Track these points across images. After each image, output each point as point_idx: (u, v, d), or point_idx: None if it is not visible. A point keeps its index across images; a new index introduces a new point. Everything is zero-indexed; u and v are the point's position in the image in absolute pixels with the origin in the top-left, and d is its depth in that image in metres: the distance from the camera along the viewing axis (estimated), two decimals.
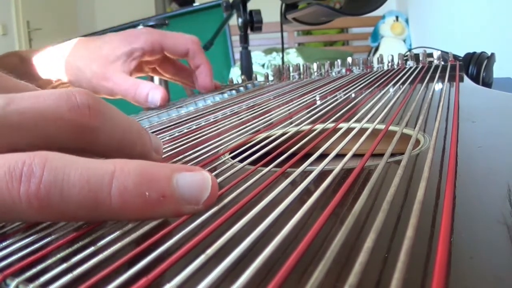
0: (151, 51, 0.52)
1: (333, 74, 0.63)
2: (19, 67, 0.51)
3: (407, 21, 2.44)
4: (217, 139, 0.28)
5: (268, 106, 0.40)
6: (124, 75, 0.51)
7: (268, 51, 2.39)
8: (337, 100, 0.39)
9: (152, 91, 0.49)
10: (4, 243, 0.15)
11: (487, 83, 0.53)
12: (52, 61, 0.52)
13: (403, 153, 0.19)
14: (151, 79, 1.30)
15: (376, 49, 2.46)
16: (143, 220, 0.15)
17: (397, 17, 2.44)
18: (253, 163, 0.22)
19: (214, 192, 0.14)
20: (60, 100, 0.17)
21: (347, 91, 0.45)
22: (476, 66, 0.53)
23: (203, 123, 0.36)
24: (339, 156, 0.20)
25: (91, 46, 0.52)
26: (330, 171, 0.18)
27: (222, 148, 0.26)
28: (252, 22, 0.78)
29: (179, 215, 0.14)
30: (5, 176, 0.13)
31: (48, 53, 0.53)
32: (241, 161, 0.22)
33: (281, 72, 0.68)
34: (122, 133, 0.18)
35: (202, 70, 0.54)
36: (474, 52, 0.55)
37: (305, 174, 0.18)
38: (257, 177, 0.19)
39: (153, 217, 0.14)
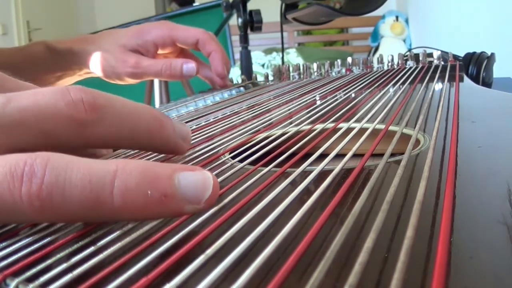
0: (162, 44, 0.54)
1: (333, 74, 0.63)
2: (45, 56, 0.53)
3: (407, 21, 2.44)
4: (217, 139, 0.28)
5: (268, 106, 0.40)
6: (150, 59, 0.53)
7: (268, 51, 2.39)
8: (337, 100, 0.39)
9: (185, 64, 0.52)
10: (4, 243, 0.15)
11: (487, 83, 0.53)
12: (79, 52, 0.53)
13: (403, 153, 0.19)
14: (151, 82, 1.30)
15: (376, 49, 2.46)
16: (144, 220, 0.15)
17: (397, 17, 2.44)
18: (253, 163, 0.22)
19: (215, 191, 0.14)
20: (57, 97, 0.17)
21: (347, 91, 0.45)
22: (476, 66, 0.53)
23: (203, 123, 0.36)
24: (339, 156, 0.20)
25: (112, 38, 0.54)
26: (330, 171, 0.18)
27: (222, 148, 0.26)
28: (252, 22, 0.78)
29: (180, 215, 0.14)
30: (6, 176, 0.13)
31: (75, 43, 0.54)
32: (241, 161, 0.22)
33: (281, 72, 0.68)
34: (131, 122, 0.18)
35: (214, 57, 0.54)
36: (474, 52, 0.55)
37: (305, 174, 0.18)
38: (257, 177, 0.19)
39: (155, 216, 0.14)
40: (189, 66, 0.52)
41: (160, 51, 0.55)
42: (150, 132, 0.19)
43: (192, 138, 0.30)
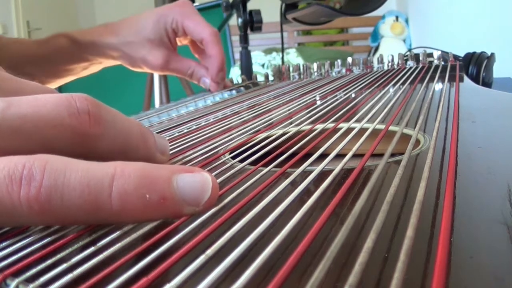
0: (176, 30, 0.55)
1: (333, 74, 0.63)
2: (70, 49, 0.55)
3: (407, 21, 2.44)
4: (217, 139, 0.28)
5: (268, 106, 0.40)
6: (178, 57, 0.56)
7: (268, 51, 2.39)
8: (337, 100, 0.39)
9: (204, 77, 0.56)
10: (4, 243, 0.15)
11: (487, 83, 0.53)
12: (103, 44, 0.55)
13: (403, 153, 0.19)
14: (151, 74, 1.30)
15: (376, 49, 2.46)
16: (143, 222, 0.15)
17: (397, 17, 2.44)
18: (253, 163, 0.22)
19: (215, 193, 0.14)
20: (60, 106, 0.16)
21: (347, 91, 0.45)
22: (476, 66, 0.53)
23: (203, 123, 0.36)
24: (339, 156, 0.20)
25: (134, 28, 0.55)
26: (330, 171, 0.18)
27: (222, 148, 0.26)
28: (252, 22, 0.78)
29: (179, 217, 0.14)
30: (5, 179, 0.13)
31: (97, 36, 0.55)
32: (241, 161, 0.22)
33: (281, 72, 0.68)
34: (124, 137, 0.18)
35: (211, 62, 0.55)
36: (474, 52, 0.55)
37: (305, 174, 0.18)
38: (257, 177, 0.19)
39: (154, 219, 0.14)
40: (206, 81, 0.56)
41: (177, 37, 0.56)
42: (136, 147, 0.19)
43: (192, 138, 0.30)
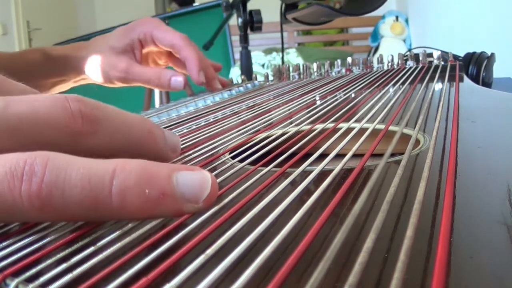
0: (145, 42, 0.55)
1: (333, 74, 0.63)
2: (42, 63, 0.54)
3: (407, 21, 2.44)
4: (217, 139, 0.28)
5: (268, 106, 0.40)
6: (141, 66, 0.55)
7: (268, 51, 2.39)
8: (337, 100, 0.39)
9: (174, 77, 0.53)
10: (4, 243, 0.15)
11: (487, 83, 0.53)
12: (73, 58, 0.55)
13: (403, 153, 0.19)
14: None
15: (376, 49, 2.46)
16: (143, 220, 0.15)
17: (397, 17, 2.44)
18: (253, 163, 0.22)
19: (214, 190, 0.14)
20: (55, 106, 0.17)
21: (347, 91, 0.45)
22: (476, 66, 0.53)
23: (203, 123, 0.36)
24: (339, 156, 0.20)
25: (103, 40, 0.55)
26: (330, 171, 0.18)
27: (222, 148, 0.26)
28: (252, 22, 0.78)
29: (179, 214, 0.14)
30: (6, 175, 0.13)
31: (69, 50, 0.55)
32: (241, 161, 0.22)
33: (281, 72, 0.68)
34: (124, 133, 0.18)
35: (189, 65, 0.55)
36: (474, 52, 0.55)
37: (305, 174, 0.18)
38: (257, 177, 0.19)
39: (154, 216, 0.14)
40: (178, 79, 0.53)
41: (144, 50, 0.56)
42: (142, 144, 0.19)
43: (192, 138, 0.30)
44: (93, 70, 0.54)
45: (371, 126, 0.25)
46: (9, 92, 0.18)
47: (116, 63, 0.53)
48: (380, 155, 0.19)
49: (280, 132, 0.28)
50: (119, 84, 0.55)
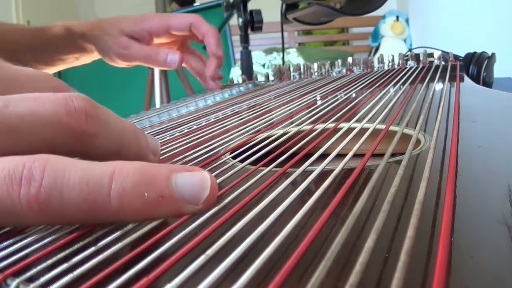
0: (157, 33, 0.57)
1: (334, 74, 0.63)
2: (65, 38, 0.57)
3: (407, 21, 2.44)
4: (217, 139, 0.28)
5: (269, 106, 0.40)
6: (140, 44, 0.57)
7: (268, 51, 2.39)
8: (337, 100, 0.39)
9: (170, 54, 0.56)
10: (5, 243, 0.15)
11: (487, 83, 0.53)
12: (90, 36, 0.58)
13: (403, 153, 0.19)
14: (152, 73, 1.30)
15: (377, 49, 2.46)
16: (143, 221, 0.15)
17: (397, 17, 2.43)
18: (253, 163, 0.22)
19: (214, 191, 0.14)
20: (58, 105, 0.16)
21: (347, 91, 0.45)
22: (476, 66, 0.53)
23: (204, 123, 0.36)
24: (340, 156, 0.20)
25: (116, 23, 0.58)
26: (331, 171, 0.18)
27: (222, 148, 0.26)
28: (253, 22, 0.78)
29: (179, 216, 0.14)
30: (5, 179, 0.13)
31: (87, 28, 0.58)
32: (242, 161, 0.22)
33: (281, 72, 0.68)
34: (119, 137, 0.18)
35: (209, 38, 0.57)
36: (475, 52, 0.55)
37: (305, 174, 0.18)
38: (257, 177, 0.19)
39: (153, 217, 0.14)
40: (174, 57, 0.56)
41: (155, 40, 0.58)
42: (130, 147, 0.19)
43: (193, 138, 0.30)
44: (101, 48, 0.58)
45: (371, 126, 0.25)
46: (12, 80, 0.18)
47: (119, 40, 0.56)
48: (381, 155, 0.19)
49: (281, 132, 0.28)
50: (120, 63, 0.58)
